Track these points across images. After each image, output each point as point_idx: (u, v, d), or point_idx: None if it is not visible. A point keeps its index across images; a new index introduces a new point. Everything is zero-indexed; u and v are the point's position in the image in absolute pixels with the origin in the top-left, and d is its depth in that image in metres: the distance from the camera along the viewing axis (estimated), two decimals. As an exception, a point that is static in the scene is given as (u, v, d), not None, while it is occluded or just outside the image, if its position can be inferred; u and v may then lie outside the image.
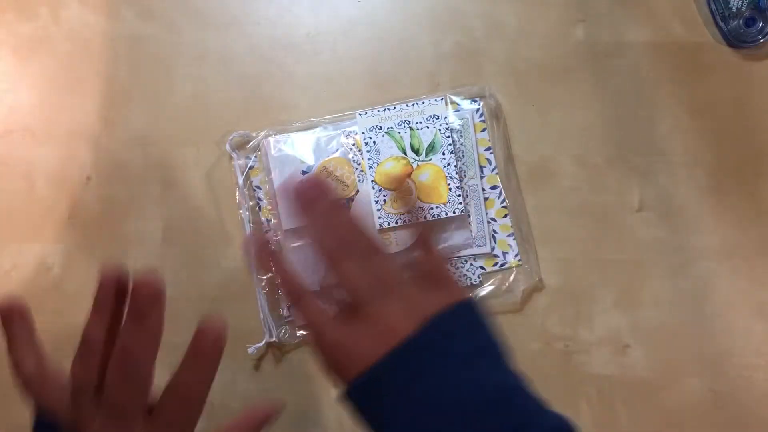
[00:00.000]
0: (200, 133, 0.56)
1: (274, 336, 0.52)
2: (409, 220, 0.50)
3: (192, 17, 0.58)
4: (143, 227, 0.55)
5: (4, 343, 0.35)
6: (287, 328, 0.53)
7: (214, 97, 0.56)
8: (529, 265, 0.53)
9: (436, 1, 0.57)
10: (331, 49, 0.57)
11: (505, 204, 0.54)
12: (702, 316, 0.52)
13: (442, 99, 0.54)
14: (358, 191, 0.53)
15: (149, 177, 0.56)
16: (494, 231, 0.53)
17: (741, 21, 0.54)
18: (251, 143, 0.55)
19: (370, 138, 0.53)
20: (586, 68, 0.55)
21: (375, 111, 0.54)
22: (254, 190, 0.55)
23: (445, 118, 0.53)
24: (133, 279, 0.33)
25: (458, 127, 0.54)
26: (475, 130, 0.54)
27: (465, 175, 0.54)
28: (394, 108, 0.54)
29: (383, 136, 0.53)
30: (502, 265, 0.53)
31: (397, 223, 0.52)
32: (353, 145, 0.53)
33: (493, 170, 0.54)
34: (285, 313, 0.53)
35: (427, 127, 0.53)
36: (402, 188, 0.52)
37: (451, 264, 0.36)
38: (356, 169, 0.53)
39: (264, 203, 0.55)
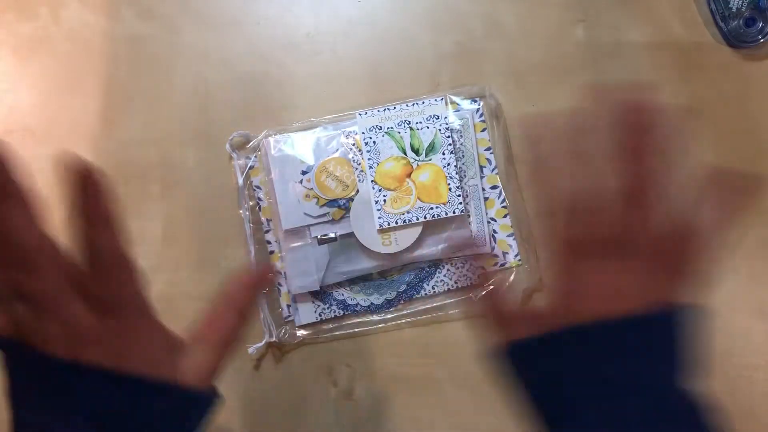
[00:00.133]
0: (200, 133, 0.56)
1: (274, 336, 0.52)
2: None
3: (192, 17, 0.58)
4: (143, 227, 0.55)
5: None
6: (287, 328, 0.53)
7: (214, 97, 0.57)
8: (529, 265, 0.53)
9: (436, 1, 0.57)
10: (331, 49, 0.57)
11: (505, 204, 0.54)
12: (701, 316, 0.52)
13: (442, 99, 0.54)
14: (358, 191, 0.53)
15: (149, 177, 0.56)
16: (494, 231, 0.54)
17: (741, 21, 0.54)
18: (251, 143, 0.55)
19: (370, 138, 0.53)
20: (586, 68, 0.55)
21: (375, 111, 0.54)
22: (254, 190, 0.55)
23: (445, 118, 0.53)
24: None
25: (458, 127, 0.54)
26: (475, 130, 0.54)
27: (465, 175, 0.54)
28: (394, 108, 0.54)
29: (383, 136, 0.53)
30: (502, 265, 0.53)
31: (397, 223, 0.52)
32: (353, 145, 0.53)
33: (493, 170, 0.54)
34: (285, 313, 0.54)
35: (427, 127, 0.53)
36: (402, 188, 0.52)
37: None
38: (356, 169, 0.53)
39: (264, 203, 0.55)
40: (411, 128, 0.53)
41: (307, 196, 0.53)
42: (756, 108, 0.54)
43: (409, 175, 0.52)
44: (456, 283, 0.53)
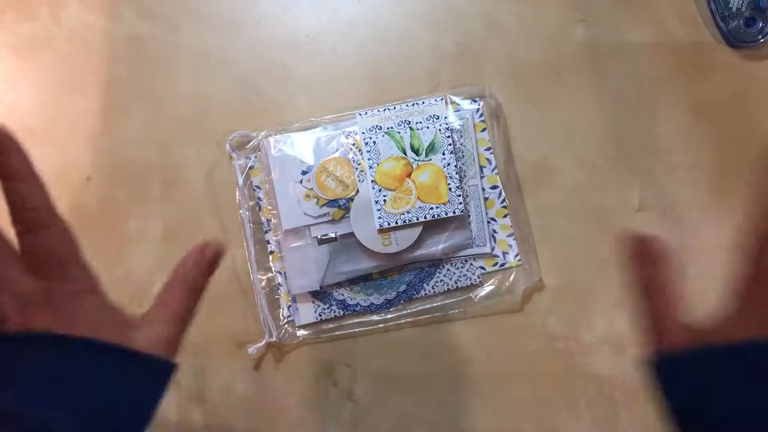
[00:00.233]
0: (200, 133, 0.56)
1: (274, 336, 0.52)
2: None
3: (192, 17, 0.58)
4: (143, 227, 0.55)
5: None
6: (287, 328, 0.53)
7: (214, 97, 0.57)
8: (529, 265, 0.53)
9: (436, 1, 0.57)
10: (331, 49, 0.57)
11: (505, 204, 0.54)
12: (701, 317, 0.52)
13: (442, 99, 0.54)
14: (358, 191, 0.53)
15: (149, 177, 0.56)
16: (494, 231, 0.54)
17: (741, 21, 0.54)
18: (251, 143, 0.55)
19: (370, 138, 0.53)
20: (586, 68, 0.55)
21: (375, 111, 0.54)
22: (254, 190, 0.55)
23: (445, 118, 0.53)
24: None
25: (458, 127, 0.54)
26: (475, 130, 0.54)
27: (465, 175, 0.54)
28: (394, 108, 0.54)
29: (383, 136, 0.53)
30: (502, 265, 0.53)
31: (397, 223, 0.52)
32: (353, 145, 0.53)
33: (493, 170, 0.54)
34: (285, 312, 0.54)
35: (427, 127, 0.53)
36: (402, 188, 0.52)
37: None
38: (356, 169, 0.53)
39: (264, 203, 0.55)
40: (411, 128, 0.53)
41: (307, 196, 0.53)
42: (756, 108, 0.54)
43: (409, 175, 0.52)
44: (456, 283, 0.53)
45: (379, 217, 0.52)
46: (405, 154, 0.53)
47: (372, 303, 0.53)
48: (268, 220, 0.54)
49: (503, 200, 0.54)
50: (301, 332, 0.53)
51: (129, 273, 0.54)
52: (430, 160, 0.53)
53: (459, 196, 0.52)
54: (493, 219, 0.54)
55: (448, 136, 0.53)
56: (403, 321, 0.53)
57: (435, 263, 0.53)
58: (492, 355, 0.53)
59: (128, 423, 0.30)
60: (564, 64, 0.56)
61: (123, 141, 0.56)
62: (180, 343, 0.33)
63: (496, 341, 0.53)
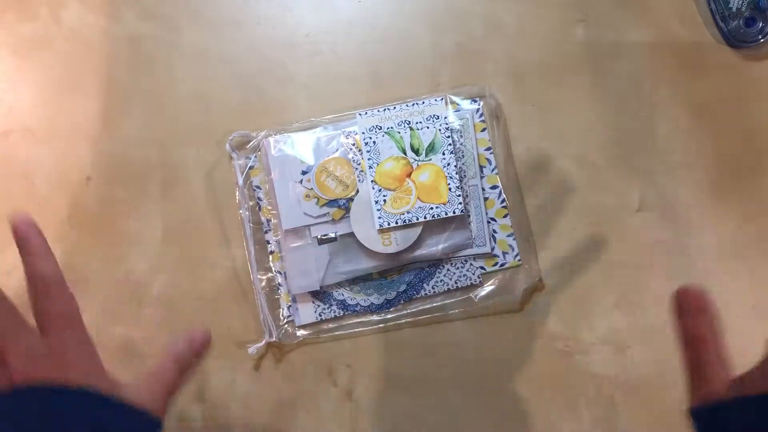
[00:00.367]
0: (200, 133, 0.56)
1: (274, 336, 0.52)
2: None
3: (192, 17, 0.58)
4: (143, 227, 0.55)
5: None
6: (287, 328, 0.53)
7: (214, 97, 0.57)
8: (529, 265, 0.53)
9: (436, 1, 0.57)
10: (331, 49, 0.57)
11: (505, 204, 0.54)
12: (702, 316, 0.52)
13: (442, 99, 0.54)
14: (358, 191, 0.53)
15: (149, 177, 0.56)
16: (494, 231, 0.54)
17: (741, 21, 0.54)
18: (251, 143, 0.55)
19: (370, 138, 0.53)
20: (586, 68, 0.55)
21: (375, 111, 0.54)
22: (254, 190, 0.55)
23: (445, 118, 0.53)
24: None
25: (458, 127, 0.54)
26: (475, 130, 0.54)
27: (465, 175, 0.54)
28: (394, 108, 0.54)
29: (383, 136, 0.53)
30: (502, 265, 0.53)
31: (397, 223, 0.52)
32: (353, 145, 0.53)
33: (493, 170, 0.54)
34: (285, 312, 0.54)
35: (427, 127, 0.53)
36: (402, 188, 0.52)
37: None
38: (356, 169, 0.53)
39: (264, 203, 0.55)
40: (411, 128, 0.53)
41: (307, 196, 0.53)
42: (756, 108, 0.54)
43: (409, 175, 0.52)
44: (456, 283, 0.53)
45: (379, 217, 0.52)
46: (405, 154, 0.53)
47: (372, 303, 0.53)
48: (268, 220, 0.54)
49: (503, 200, 0.54)
50: (301, 332, 0.53)
51: (129, 273, 0.55)
52: (430, 160, 0.53)
53: (459, 196, 0.52)
54: (493, 219, 0.54)
55: (448, 136, 0.53)
56: (403, 321, 0.53)
57: (435, 263, 0.53)
58: (492, 355, 0.53)
59: None
60: (564, 64, 0.56)
61: (123, 141, 0.56)
62: (164, 412, 0.36)
63: (496, 341, 0.53)
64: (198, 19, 0.58)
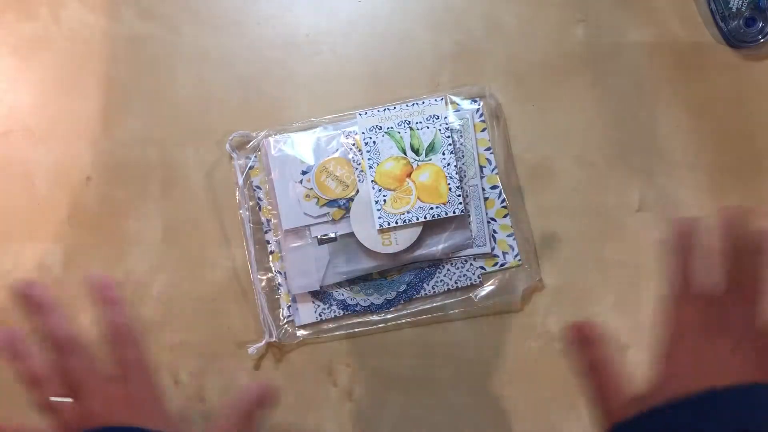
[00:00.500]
0: (200, 133, 0.56)
1: (274, 336, 0.52)
2: None
3: (192, 17, 0.58)
4: (143, 227, 0.55)
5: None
6: (287, 328, 0.53)
7: (214, 97, 0.57)
8: (529, 265, 0.53)
9: (436, 1, 0.57)
10: (331, 49, 0.57)
11: (505, 204, 0.54)
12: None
13: (442, 99, 0.54)
14: (358, 191, 0.53)
15: (149, 177, 0.56)
16: (494, 231, 0.54)
17: (741, 21, 0.54)
18: (251, 143, 0.55)
19: (370, 138, 0.53)
20: (586, 68, 0.55)
21: (375, 111, 0.54)
22: (254, 190, 0.55)
23: (445, 118, 0.53)
24: (17, 294, 0.39)
25: (458, 127, 0.54)
26: (475, 130, 0.54)
27: (465, 175, 0.54)
28: (394, 108, 0.54)
29: (383, 136, 0.53)
30: (502, 265, 0.53)
31: (397, 223, 0.52)
32: (353, 145, 0.53)
33: (493, 170, 0.54)
34: (285, 312, 0.54)
35: (427, 127, 0.53)
36: (402, 188, 0.52)
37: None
38: (356, 169, 0.53)
39: (264, 203, 0.55)
40: (411, 128, 0.53)
41: (307, 196, 0.53)
42: (756, 108, 0.54)
43: (409, 175, 0.52)
44: (456, 283, 0.53)
45: (379, 217, 0.52)
46: (405, 154, 0.53)
47: (372, 303, 0.53)
48: (268, 220, 0.54)
49: (503, 200, 0.54)
50: (301, 332, 0.53)
51: (129, 273, 0.54)
52: (430, 160, 0.53)
53: (459, 196, 0.52)
54: (493, 219, 0.54)
55: (448, 136, 0.53)
56: (403, 321, 0.53)
57: (435, 263, 0.53)
58: (492, 355, 0.53)
59: None
60: (564, 64, 0.56)
61: (123, 141, 0.56)
62: None
63: (496, 341, 0.53)
64: (198, 19, 0.58)
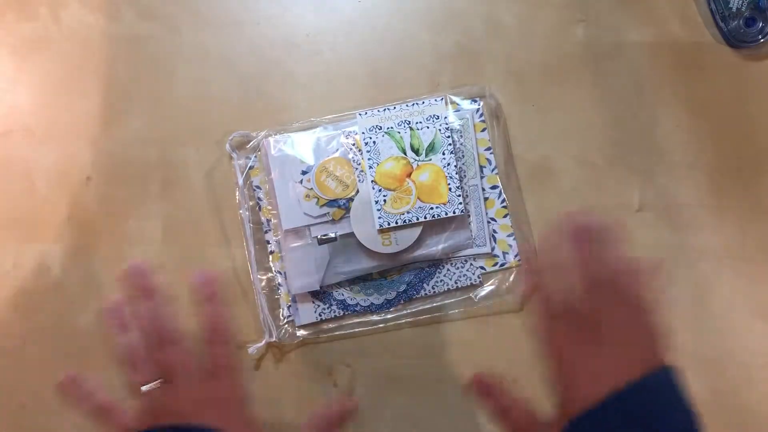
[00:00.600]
0: (200, 133, 0.56)
1: (274, 336, 0.52)
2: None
3: (192, 17, 0.58)
4: (143, 227, 0.55)
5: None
6: (287, 328, 0.53)
7: (214, 97, 0.57)
8: (530, 265, 0.53)
9: (436, 1, 0.57)
10: (331, 49, 0.57)
11: (505, 204, 0.54)
12: (702, 316, 0.52)
13: (442, 99, 0.54)
14: (358, 191, 0.53)
15: (149, 177, 0.56)
16: (494, 231, 0.54)
17: (741, 21, 0.54)
18: (251, 143, 0.55)
19: (370, 138, 0.53)
20: (586, 68, 0.55)
21: (375, 111, 0.54)
22: (254, 190, 0.55)
23: (445, 118, 0.53)
24: (127, 274, 0.40)
25: (458, 127, 0.54)
26: (475, 130, 0.54)
27: (465, 175, 0.54)
28: (394, 108, 0.54)
29: (383, 136, 0.53)
30: (502, 265, 0.53)
31: (397, 223, 0.52)
32: (353, 145, 0.53)
33: (493, 170, 0.54)
34: (285, 312, 0.54)
35: (427, 127, 0.53)
36: (402, 188, 0.52)
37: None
38: (356, 169, 0.53)
39: (264, 203, 0.55)
40: (411, 128, 0.53)
41: (307, 196, 0.53)
42: (756, 108, 0.54)
43: (409, 175, 0.52)
44: (456, 283, 0.53)
45: (379, 217, 0.52)
46: (405, 154, 0.53)
47: (372, 303, 0.53)
48: (268, 220, 0.54)
49: (503, 200, 0.54)
50: (301, 332, 0.53)
51: (129, 273, 0.54)
52: (430, 160, 0.53)
53: (459, 196, 0.52)
54: (493, 219, 0.54)
55: (448, 136, 0.53)
56: (403, 321, 0.53)
57: (435, 263, 0.53)
58: (492, 355, 0.53)
59: None
60: (564, 64, 0.56)
61: (123, 141, 0.56)
62: None
63: (496, 341, 0.53)
64: (198, 19, 0.58)
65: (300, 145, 0.54)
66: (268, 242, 0.54)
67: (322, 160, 0.53)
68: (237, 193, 0.55)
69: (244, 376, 0.40)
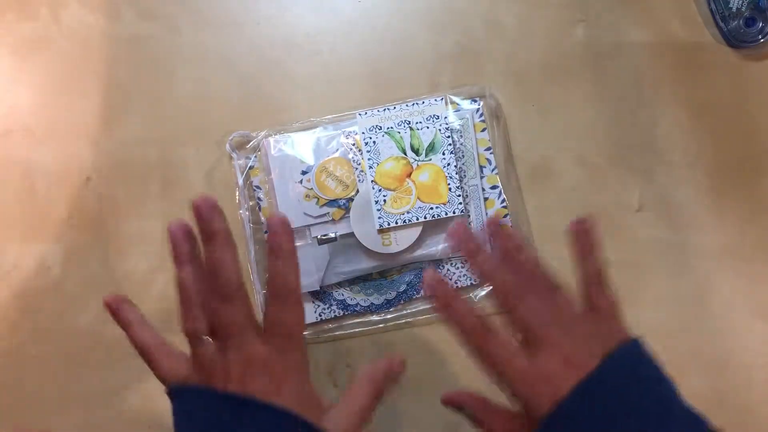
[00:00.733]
0: (200, 133, 0.56)
1: (274, 336, 0.52)
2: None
3: (192, 17, 0.58)
4: (143, 227, 0.55)
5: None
6: (287, 328, 0.53)
7: (214, 97, 0.57)
8: (529, 265, 0.53)
9: (436, 1, 0.57)
10: (331, 49, 0.57)
11: (505, 204, 0.54)
12: (702, 316, 0.52)
13: (442, 99, 0.54)
14: (358, 191, 0.53)
15: (149, 177, 0.56)
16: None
17: (741, 21, 0.54)
18: (251, 143, 0.55)
19: (370, 138, 0.53)
20: (586, 68, 0.55)
21: (375, 111, 0.54)
22: (254, 190, 0.55)
23: (445, 118, 0.53)
24: (192, 208, 0.36)
25: (458, 127, 0.54)
26: (475, 130, 0.54)
27: (465, 175, 0.54)
28: (394, 108, 0.54)
29: (383, 136, 0.53)
30: (502, 265, 0.53)
31: (397, 223, 0.52)
32: (353, 145, 0.53)
33: (493, 170, 0.54)
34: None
35: (427, 127, 0.53)
36: (402, 188, 0.52)
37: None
38: (356, 169, 0.53)
39: (264, 203, 0.55)
40: (411, 128, 0.53)
41: (307, 196, 0.53)
42: (756, 108, 0.54)
43: (409, 175, 0.52)
44: (456, 283, 0.53)
45: (379, 217, 0.52)
46: (405, 154, 0.53)
47: (372, 303, 0.53)
48: (268, 220, 0.54)
49: (503, 200, 0.54)
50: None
51: (129, 273, 0.54)
52: (430, 160, 0.53)
53: (459, 196, 0.52)
54: (493, 219, 0.54)
55: (448, 136, 0.53)
56: (403, 321, 0.53)
57: (435, 263, 0.53)
58: (492, 355, 0.53)
59: None
60: (564, 64, 0.56)
61: (123, 141, 0.56)
62: None
63: (496, 341, 0.53)
64: (198, 19, 0.58)
65: (300, 145, 0.54)
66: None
67: (322, 160, 0.53)
68: (237, 193, 0.55)
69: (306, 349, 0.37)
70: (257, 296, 0.53)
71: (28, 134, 0.57)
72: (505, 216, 0.54)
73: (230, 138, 0.55)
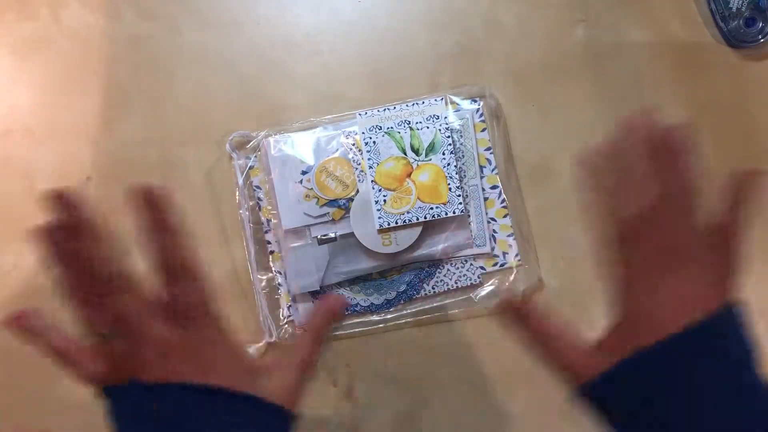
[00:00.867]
0: (200, 133, 0.56)
1: (274, 336, 0.52)
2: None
3: (192, 17, 0.58)
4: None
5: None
6: (287, 328, 0.53)
7: (214, 97, 0.57)
8: (529, 265, 0.53)
9: (436, 1, 0.57)
10: (330, 49, 0.57)
11: (505, 204, 0.54)
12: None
13: (442, 99, 0.54)
14: (358, 191, 0.53)
15: (149, 177, 0.56)
16: (494, 231, 0.54)
17: (741, 21, 0.54)
18: (251, 143, 0.55)
19: (370, 138, 0.53)
20: (586, 68, 0.55)
21: (375, 111, 0.54)
22: (254, 190, 0.55)
23: (445, 118, 0.53)
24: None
25: (458, 127, 0.54)
26: (475, 130, 0.54)
27: (465, 175, 0.54)
28: (394, 108, 0.54)
29: (383, 136, 0.53)
30: (502, 265, 0.53)
31: (397, 223, 0.52)
32: (353, 145, 0.53)
33: (493, 170, 0.54)
34: (285, 312, 0.54)
35: (427, 127, 0.53)
36: (402, 188, 0.52)
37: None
38: (356, 169, 0.53)
39: (264, 203, 0.55)
40: (411, 128, 0.53)
41: (307, 196, 0.53)
42: (756, 108, 0.54)
43: (409, 175, 0.52)
44: (456, 283, 0.53)
45: (379, 217, 0.52)
46: (405, 154, 0.53)
47: (372, 303, 0.53)
48: (268, 220, 0.54)
49: (503, 200, 0.54)
50: (301, 332, 0.53)
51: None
52: (430, 160, 0.53)
53: (459, 196, 0.52)
54: (493, 219, 0.54)
55: (448, 136, 0.53)
56: (403, 321, 0.53)
57: (435, 263, 0.53)
58: (492, 355, 0.53)
59: None
60: (564, 64, 0.56)
61: (123, 141, 0.56)
62: (301, 393, 0.36)
63: (496, 341, 0.53)
64: (198, 19, 0.58)
65: (300, 145, 0.54)
66: (268, 242, 0.54)
67: (322, 160, 0.53)
68: (237, 193, 0.55)
69: (224, 322, 0.34)
70: (257, 296, 0.53)
71: (28, 134, 0.57)
72: (505, 216, 0.54)
73: (230, 138, 0.55)
